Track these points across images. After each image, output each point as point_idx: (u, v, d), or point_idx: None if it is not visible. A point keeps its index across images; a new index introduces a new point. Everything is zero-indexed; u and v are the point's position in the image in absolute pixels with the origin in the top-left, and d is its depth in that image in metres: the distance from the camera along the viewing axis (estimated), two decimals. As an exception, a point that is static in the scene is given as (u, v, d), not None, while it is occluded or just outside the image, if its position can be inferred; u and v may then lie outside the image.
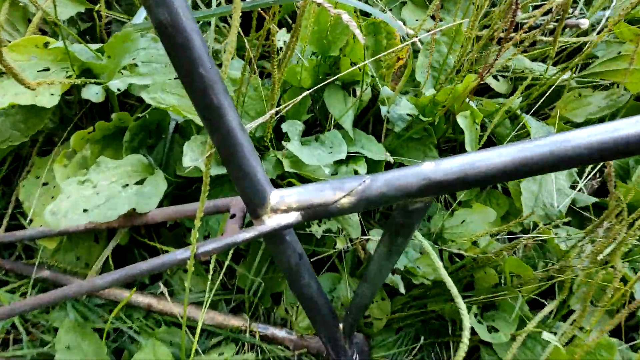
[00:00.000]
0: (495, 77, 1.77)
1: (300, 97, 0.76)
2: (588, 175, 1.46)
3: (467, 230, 1.12)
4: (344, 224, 1.04)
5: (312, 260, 1.16)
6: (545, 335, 0.88)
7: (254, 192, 0.69)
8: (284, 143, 0.96)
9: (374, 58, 1.22)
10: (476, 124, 1.25)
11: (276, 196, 0.72)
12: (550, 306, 1.02)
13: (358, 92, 1.18)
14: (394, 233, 0.76)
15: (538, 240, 1.21)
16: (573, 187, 1.39)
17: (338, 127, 1.14)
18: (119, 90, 0.92)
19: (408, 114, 1.18)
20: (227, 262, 0.95)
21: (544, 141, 0.61)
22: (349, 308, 0.96)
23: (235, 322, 1.17)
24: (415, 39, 1.45)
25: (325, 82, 1.04)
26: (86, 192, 0.87)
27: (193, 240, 0.72)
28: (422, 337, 1.23)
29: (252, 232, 0.72)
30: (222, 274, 0.94)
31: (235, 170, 0.66)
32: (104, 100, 1.15)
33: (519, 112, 1.37)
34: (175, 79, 0.96)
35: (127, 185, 0.92)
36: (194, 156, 0.94)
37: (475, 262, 1.11)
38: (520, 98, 1.44)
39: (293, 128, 1.03)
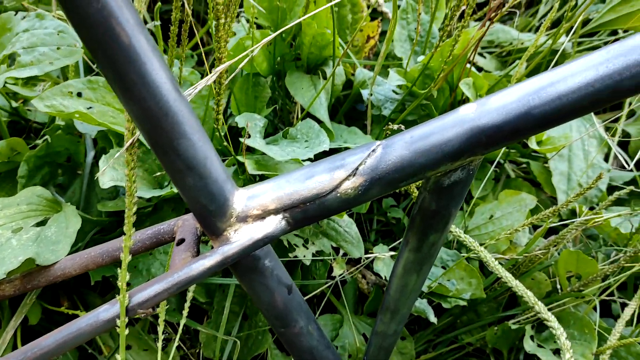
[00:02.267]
0: (480, 54, 1.64)
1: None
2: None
3: (500, 228, 0.93)
4: (340, 240, 0.83)
5: (300, 301, 0.95)
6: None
7: (207, 193, 0.49)
8: (242, 140, 0.76)
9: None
10: (480, 97, 1.08)
11: (242, 197, 0.52)
12: (630, 308, 0.83)
13: (329, 73, 0.99)
14: (424, 228, 0.57)
15: (587, 229, 1.04)
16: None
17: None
18: (-9, 91, 0.70)
19: (396, 92, 1.00)
20: (182, 321, 0.73)
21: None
22: (367, 357, 0.75)
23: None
24: (385, 9, 1.30)
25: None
26: (-46, 244, 0.64)
27: (122, 283, 0.51)
28: (459, 382, 1.03)
29: (213, 258, 0.52)
30: (177, 339, 0.71)
31: (172, 160, 0.46)
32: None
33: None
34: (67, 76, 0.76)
35: (20, 229, 0.69)
36: (117, 175, 0.73)
37: (517, 268, 0.92)
38: (525, 65, 1.30)
39: (252, 123, 0.83)
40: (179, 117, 0.44)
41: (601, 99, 0.44)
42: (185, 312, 0.73)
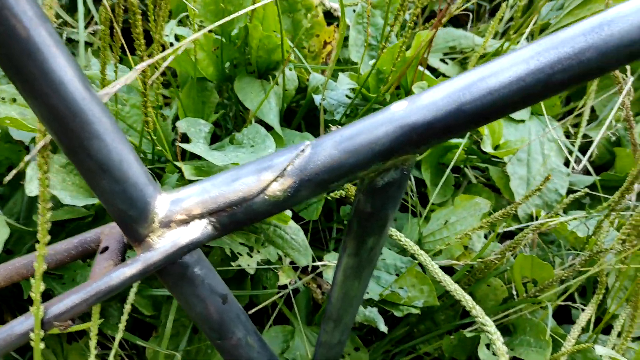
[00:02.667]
0: (443, 60, 1.64)
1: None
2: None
3: (455, 233, 0.92)
4: (286, 248, 0.81)
5: (250, 312, 0.92)
6: (600, 350, 0.68)
7: (125, 198, 0.47)
8: (180, 145, 0.73)
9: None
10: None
11: (165, 201, 0.50)
12: (586, 313, 0.82)
13: (280, 77, 0.98)
14: (361, 231, 0.55)
15: (544, 233, 1.03)
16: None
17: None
18: None
19: (349, 96, 0.98)
20: (119, 335, 0.70)
21: (577, 29, 0.43)
22: (313, 368, 0.73)
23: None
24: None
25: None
26: None
27: (35, 294, 0.48)
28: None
29: (135, 266, 0.49)
30: (112, 354, 0.68)
31: (84, 162, 0.44)
32: None
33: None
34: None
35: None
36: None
37: (473, 275, 0.90)
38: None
39: (196, 128, 0.81)
40: (88, 117, 0.41)
41: (533, 94, 0.43)
42: (122, 326, 0.70)
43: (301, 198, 0.49)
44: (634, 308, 0.79)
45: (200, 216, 0.49)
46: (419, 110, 0.44)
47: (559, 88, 0.43)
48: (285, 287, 0.92)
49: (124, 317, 0.72)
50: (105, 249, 0.55)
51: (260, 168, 0.48)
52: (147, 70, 0.59)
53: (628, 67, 0.91)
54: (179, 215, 0.49)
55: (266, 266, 0.81)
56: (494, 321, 0.90)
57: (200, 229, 0.49)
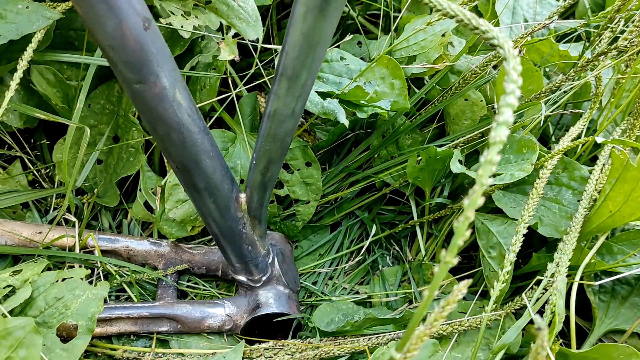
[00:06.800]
0: None
1: None
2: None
3: (433, 34, 0.80)
4: (231, 17, 0.67)
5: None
6: (600, 139, 0.59)
7: None
8: None
9: None
10: None
11: None
12: (579, 124, 0.73)
13: None
14: None
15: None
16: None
17: None
18: None
19: None
20: (5, 100, 0.55)
21: None
22: (256, 157, 0.61)
23: (58, 235, 0.80)
24: None
25: None
26: None
27: None
28: (373, 230, 0.92)
29: None
30: None
31: None
32: None
33: None
34: None
35: None
36: None
37: (448, 90, 0.80)
38: None
39: None
40: None
41: None
42: (9, 94, 0.57)
43: None
44: (634, 117, 0.70)
45: None
46: None
47: None
48: (226, 92, 0.80)
49: (13, 85, 0.58)
50: None
51: None
52: None
53: None
54: None
55: (204, 33, 0.67)
56: (469, 141, 0.81)
57: None
